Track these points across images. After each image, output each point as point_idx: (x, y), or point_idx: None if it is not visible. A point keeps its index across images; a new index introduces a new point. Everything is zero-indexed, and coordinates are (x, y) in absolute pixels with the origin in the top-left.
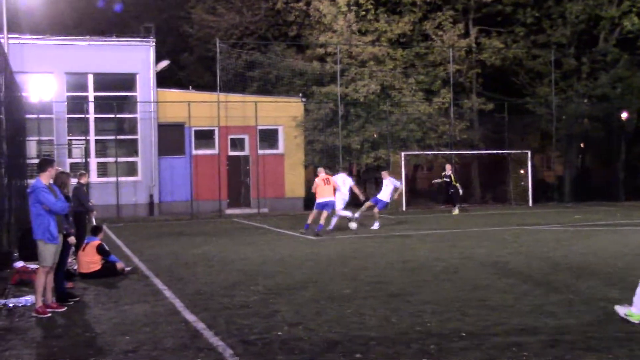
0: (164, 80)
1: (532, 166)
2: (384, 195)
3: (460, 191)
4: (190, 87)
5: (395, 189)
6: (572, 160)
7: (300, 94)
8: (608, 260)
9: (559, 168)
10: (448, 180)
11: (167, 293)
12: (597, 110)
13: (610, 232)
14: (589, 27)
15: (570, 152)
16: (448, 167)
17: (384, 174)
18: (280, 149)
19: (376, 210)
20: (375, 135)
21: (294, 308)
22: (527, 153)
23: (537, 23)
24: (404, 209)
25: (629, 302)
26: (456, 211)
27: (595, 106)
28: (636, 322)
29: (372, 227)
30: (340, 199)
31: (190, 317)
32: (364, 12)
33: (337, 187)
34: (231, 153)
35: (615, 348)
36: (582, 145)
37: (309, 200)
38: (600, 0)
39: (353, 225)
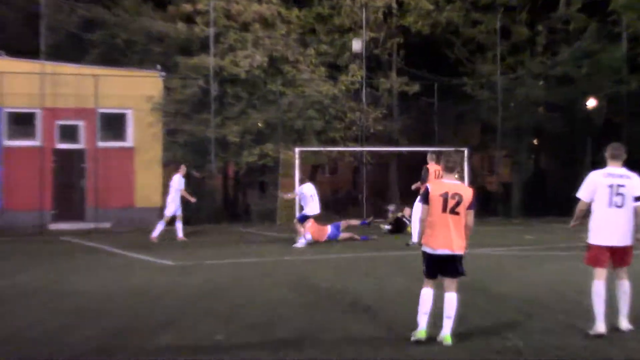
0: None
1: (470, 169)
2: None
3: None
4: (3, 52)
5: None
6: (522, 162)
7: (159, 66)
8: (568, 294)
9: (505, 172)
10: None
11: None
12: (555, 96)
13: (572, 258)
14: None
15: (520, 151)
16: None
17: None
18: (130, 140)
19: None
20: (260, 125)
21: None
22: (463, 151)
23: None
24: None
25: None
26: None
27: (553, 90)
28: None
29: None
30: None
31: None
32: None
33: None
34: (60, 145)
35: None
36: (535, 141)
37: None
38: None
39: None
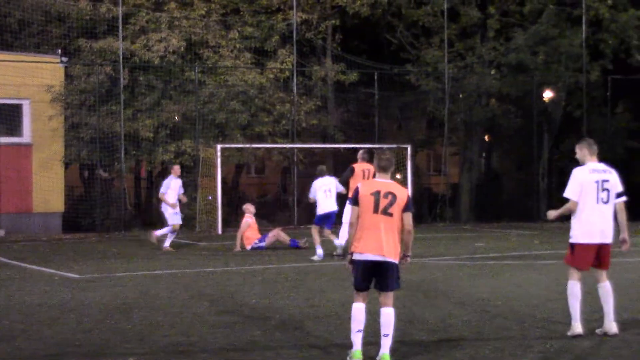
0: None
1: (414, 168)
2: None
3: None
4: None
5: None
6: (473, 160)
7: (60, 51)
8: (520, 307)
9: (454, 171)
10: None
11: None
12: (510, 86)
13: (526, 267)
14: None
15: (470, 148)
16: None
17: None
18: (26, 136)
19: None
20: (177, 118)
21: None
22: (406, 148)
23: None
24: (219, 231)
25: None
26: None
27: (507, 80)
28: None
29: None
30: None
31: None
32: None
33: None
34: None
35: None
36: (487, 137)
37: (71, 216)
38: None
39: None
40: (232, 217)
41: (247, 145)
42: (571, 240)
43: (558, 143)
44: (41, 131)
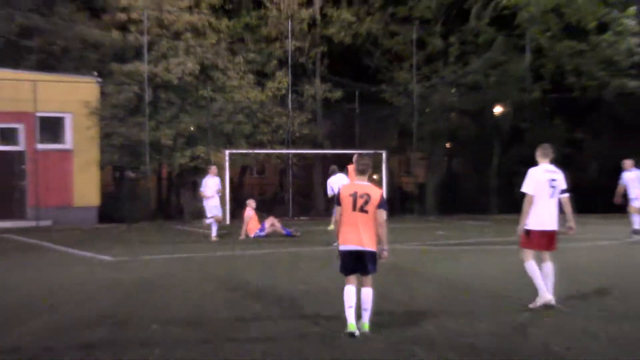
0: None
1: (388, 170)
2: None
3: None
4: None
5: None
6: (436, 164)
7: (95, 73)
8: (476, 286)
9: (420, 173)
10: None
11: None
12: (467, 103)
13: (480, 252)
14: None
15: (434, 154)
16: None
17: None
18: (68, 143)
19: None
20: (192, 129)
21: (80, 353)
22: (381, 154)
23: None
24: (227, 222)
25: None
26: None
27: (465, 97)
28: None
29: None
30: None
31: None
32: None
33: None
34: (0, 147)
35: None
36: (448, 145)
37: (105, 209)
38: None
39: None
40: (238, 211)
41: (250, 151)
42: (526, 227)
43: (506, 150)
44: (80, 139)
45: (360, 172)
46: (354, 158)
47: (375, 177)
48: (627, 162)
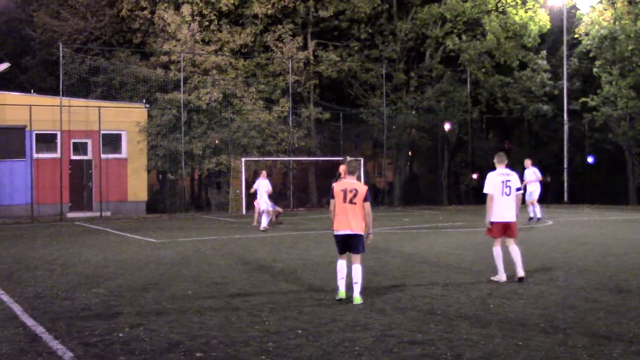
0: (4, 82)
1: (365, 172)
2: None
3: None
4: (32, 90)
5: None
6: (401, 167)
7: (144, 100)
8: (432, 259)
9: (389, 174)
10: None
11: (5, 297)
12: (423, 121)
13: (434, 233)
14: (416, 44)
15: (399, 160)
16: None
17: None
18: (124, 153)
19: None
20: (217, 142)
21: (136, 310)
22: (360, 160)
23: (370, 39)
24: (243, 212)
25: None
26: None
27: (422, 117)
28: None
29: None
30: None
31: (29, 321)
32: (207, 23)
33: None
34: (74, 157)
35: (438, 341)
36: (410, 153)
37: (151, 203)
38: (426, 21)
39: None
40: (251, 205)
41: (261, 159)
42: (489, 219)
43: (453, 156)
44: (133, 150)
45: (350, 172)
46: (346, 161)
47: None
48: (527, 162)
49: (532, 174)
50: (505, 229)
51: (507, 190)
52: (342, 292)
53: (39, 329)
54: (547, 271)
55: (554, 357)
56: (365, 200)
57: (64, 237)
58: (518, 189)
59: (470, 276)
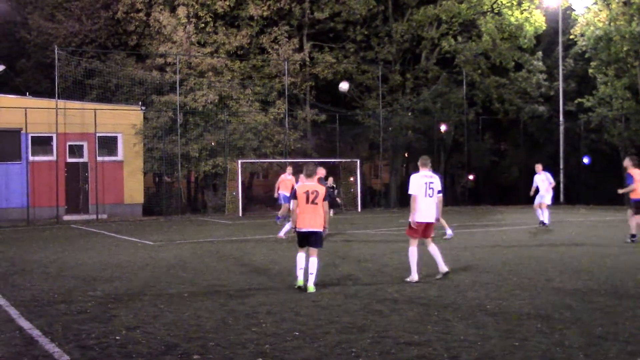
0: None
1: (361, 174)
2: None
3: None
4: (27, 93)
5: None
6: (397, 169)
7: (140, 103)
8: (429, 261)
9: (385, 176)
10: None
11: (1, 301)
12: (419, 123)
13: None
14: (412, 46)
15: (395, 161)
16: (330, 179)
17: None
18: (120, 156)
19: None
20: (213, 144)
21: (132, 312)
22: (356, 162)
23: (366, 40)
24: (240, 214)
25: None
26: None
27: (418, 119)
28: None
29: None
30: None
31: (25, 324)
32: (203, 25)
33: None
34: (70, 159)
35: (434, 342)
36: (406, 154)
37: (147, 205)
38: (422, 22)
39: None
40: (248, 206)
41: (257, 160)
42: (414, 219)
43: (449, 157)
44: (129, 153)
45: (309, 175)
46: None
47: (351, 179)
48: (538, 166)
49: (545, 179)
50: (425, 229)
51: (430, 192)
52: (300, 281)
53: (35, 332)
54: (543, 272)
55: (550, 357)
56: (324, 199)
57: (60, 240)
58: (439, 192)
59: (467, 277)
